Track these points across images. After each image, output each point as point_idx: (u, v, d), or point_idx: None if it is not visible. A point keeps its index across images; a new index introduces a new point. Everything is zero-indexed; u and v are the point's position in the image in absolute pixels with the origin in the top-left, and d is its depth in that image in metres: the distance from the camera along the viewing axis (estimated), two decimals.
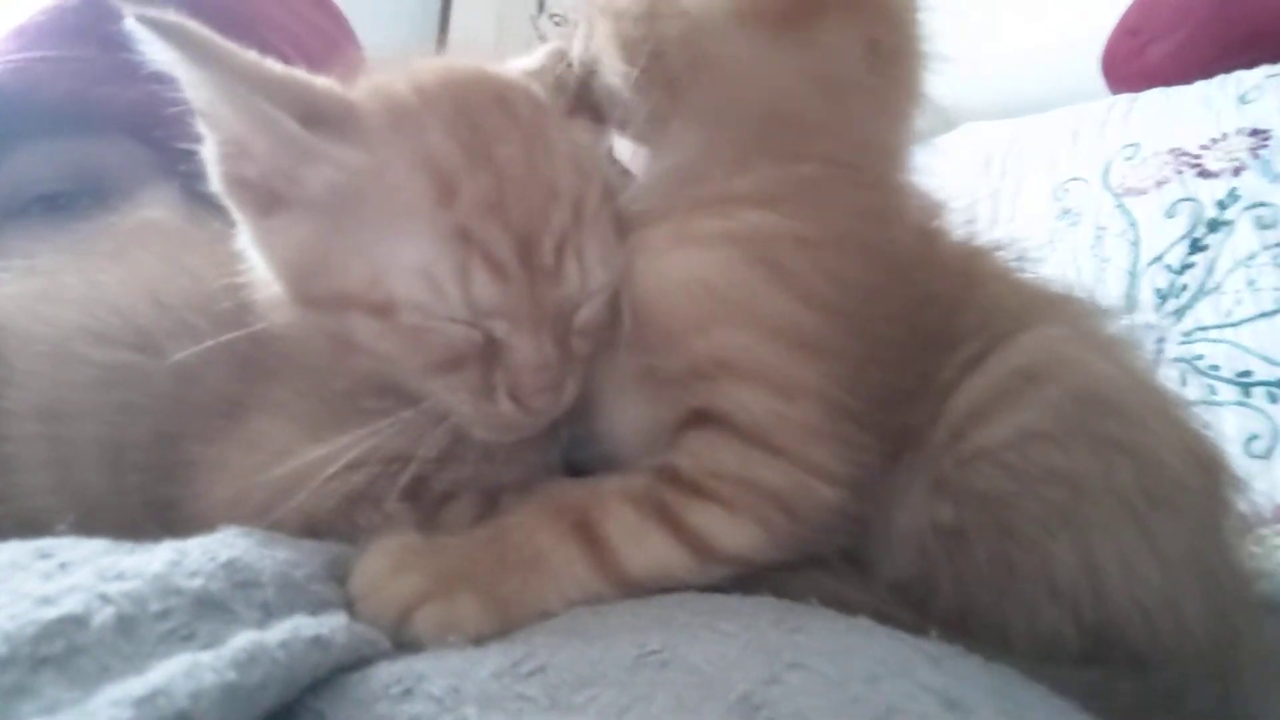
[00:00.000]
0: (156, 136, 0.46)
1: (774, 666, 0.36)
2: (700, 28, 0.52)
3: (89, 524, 0.41)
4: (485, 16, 3.10)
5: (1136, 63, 1.35)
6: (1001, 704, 0.38)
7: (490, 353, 0.47)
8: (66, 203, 0.81)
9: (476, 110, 0.48)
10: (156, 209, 0.60)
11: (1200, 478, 0.52)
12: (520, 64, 0.56)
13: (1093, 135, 1.26)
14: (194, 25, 0.44)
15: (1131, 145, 1.19)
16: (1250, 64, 1.17)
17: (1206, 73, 1.23)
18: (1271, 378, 0.89)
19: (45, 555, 0.34)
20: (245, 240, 0.50)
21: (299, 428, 0.49)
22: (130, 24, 0.43)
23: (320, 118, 0.46)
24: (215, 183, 0.49)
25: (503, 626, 0.41)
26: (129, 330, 0.52)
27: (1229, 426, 0.88)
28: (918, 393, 0.52)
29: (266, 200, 0.48)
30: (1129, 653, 0.48)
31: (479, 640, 0.39)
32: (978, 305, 0.54)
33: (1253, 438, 0.87)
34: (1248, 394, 0.90)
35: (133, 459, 0.50)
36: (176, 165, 0.50)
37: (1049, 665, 0.45)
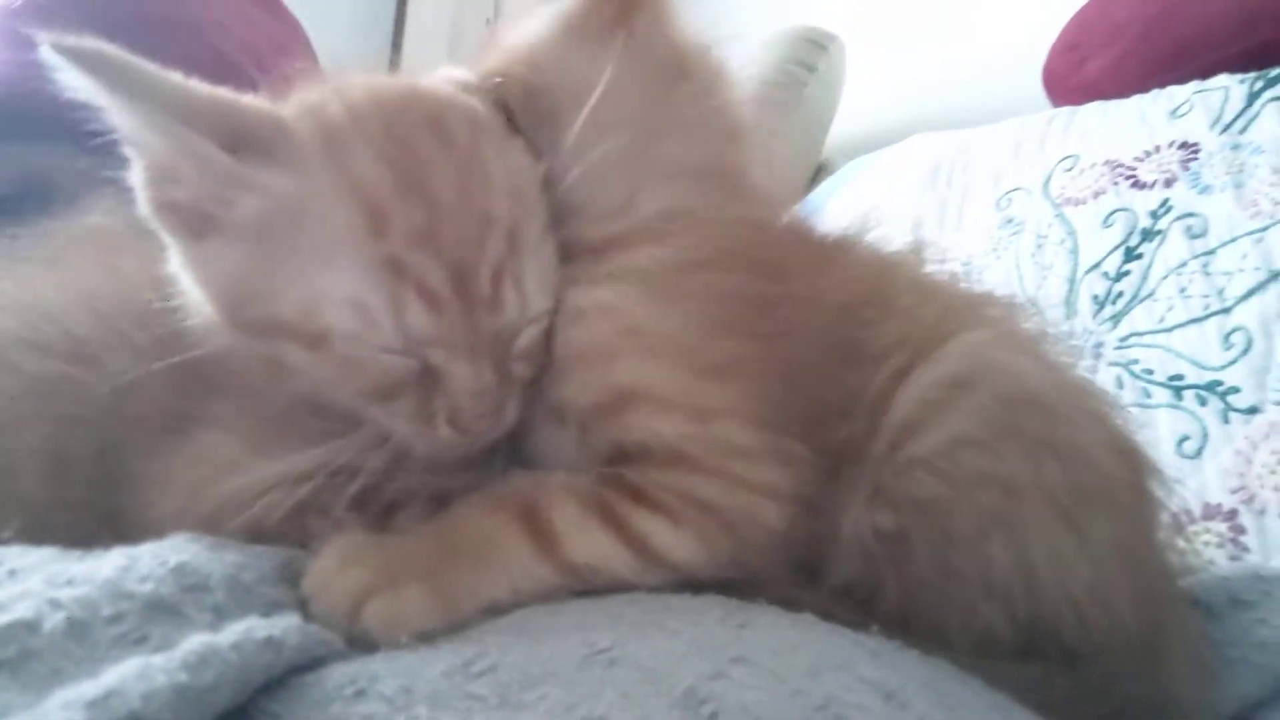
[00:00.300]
0: (97, 145, 0.46)
1: (719, 662, 0.37)
2: (543, 56, 0.54)
3: (37, 533, 0.40)
4: (440, 20, 3.09)
5: (1076, 77, 1.40)
6: (937, 695, 0.39)
7: (428, 380, 0.47)
8: (11, 207, 0.80)
9: (409, 134, 0.47)
10: (97, 215, 0.59)
11: (1125, 471, 0.54)
12: (460, 75, 0.56)
13: (1034, 147, 1.29)
14: (112, 51, 0.42)
15: (1070, 157, 1.23)
16: (1182, 80, 1.22)
17: (1142, 87, 1.27)
18: (1201, 381, 0.92)
19: None
20: (176, 264, 0.50)
21: (243, 441, 0.49)
22: (45, 52, 0.42)
23: (247, 142, 0.45)
24: (143, 207, 0.48)
25: (451, 617, 0.41)
26: (66, 341, 0.52)
27: (1162, 428, 0.91)
28: (849, 407, 0.53)
29: (197, 224, 0.47)
30: (1061, 646, 0.50)
31: (428, 634, 0.40)
32: (896, 316, 0.55)
33: (1184, 439, 0.90)
34: (1179, 397, 0.93)
35: (77, 471, 0.50)
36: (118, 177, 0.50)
37: (986, 661, 0.47)
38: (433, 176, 0.46)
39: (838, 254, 0.62)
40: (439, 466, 0.50)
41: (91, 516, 0.47)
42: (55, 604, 0.30)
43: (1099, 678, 0.50)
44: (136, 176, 0.47)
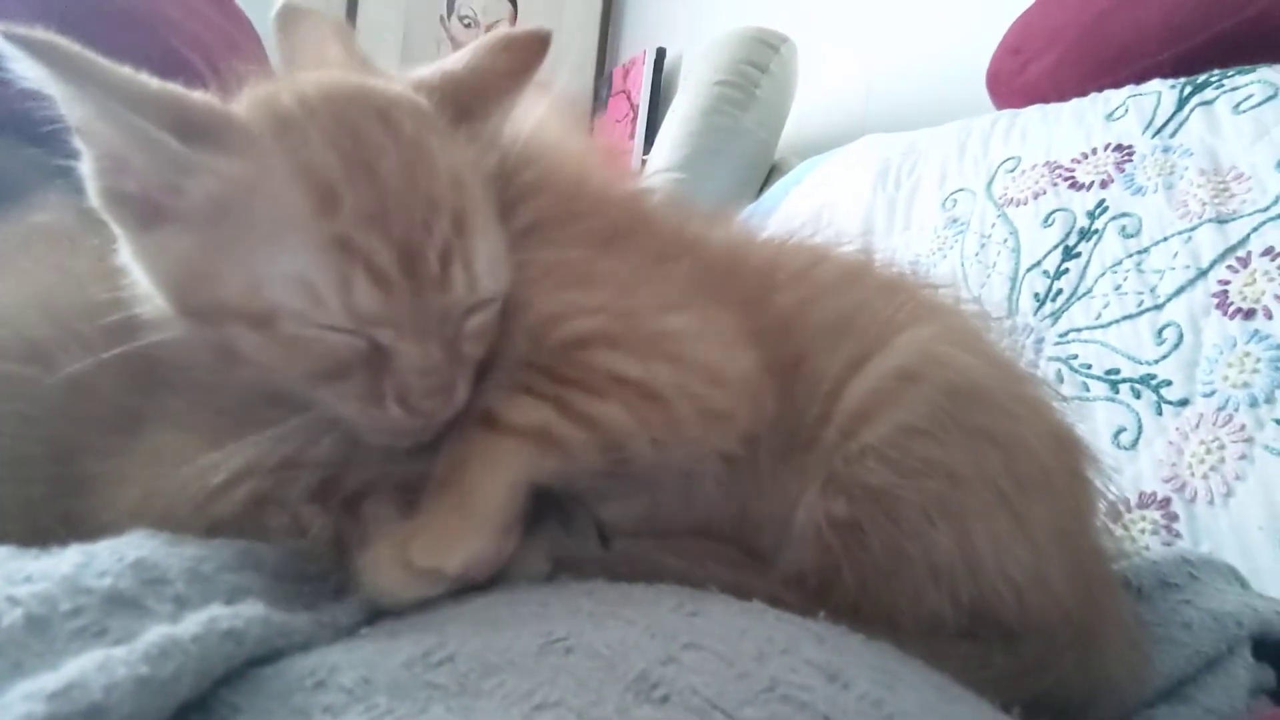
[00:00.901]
0: (44, 135, 0.45)
1: (670, 648, 0.38)
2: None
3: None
4: (393, 17, 3.06)
5: (1018, 80, 1.44)
6: (879, 676, 0.41)
7: (376, 360, 0.48)
8: None
9: (358, 123, 0.48)
10: (45, 212, 0.58)
11: (1062, 459, 0.57)
12: (413, 75, 0.56)
13: (978, 149, 1.33)
14: (64, 42, 0.43)
15: (1013, 158, 1.27)
16: (1118, 84, 1.26)
17: (1081, 91, 1.31)
18: (1136, 375, 0.96)
19: None
20: (126, 255, 0.50)
21: (197, 437, 0.49)
22: None
23: (197, 131, 0.46)
24: (93, 198, 0.48)
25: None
26: (18, 342, 0.51)
27: (1100, 420, 0.95)
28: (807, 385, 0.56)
29: (147, 214, 0.47)
30: (1000, 627, 0.52)
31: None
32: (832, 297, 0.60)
33: (1120, 430, 0.94)
34: (1116, 390, 0.96)
35: (35, 472, 0.50)
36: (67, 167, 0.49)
37: (931, 641, 0.50)
38: (381, 162, 0.47)
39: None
40: (394, 453, 0.51)
41: (50, 516, 0.47)
42: (13, 600, 0.30)
43: (1035, 656, 0.52)
44: (86, 167, 0.47)
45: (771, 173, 2.05)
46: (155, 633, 0.32)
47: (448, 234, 0.48)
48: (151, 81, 0.46)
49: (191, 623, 0.34)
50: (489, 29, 3.05)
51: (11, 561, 0.35)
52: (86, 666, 0.28)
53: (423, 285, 0.47)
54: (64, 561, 0.35)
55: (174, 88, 0.46)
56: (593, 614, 0.42)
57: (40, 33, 0.42)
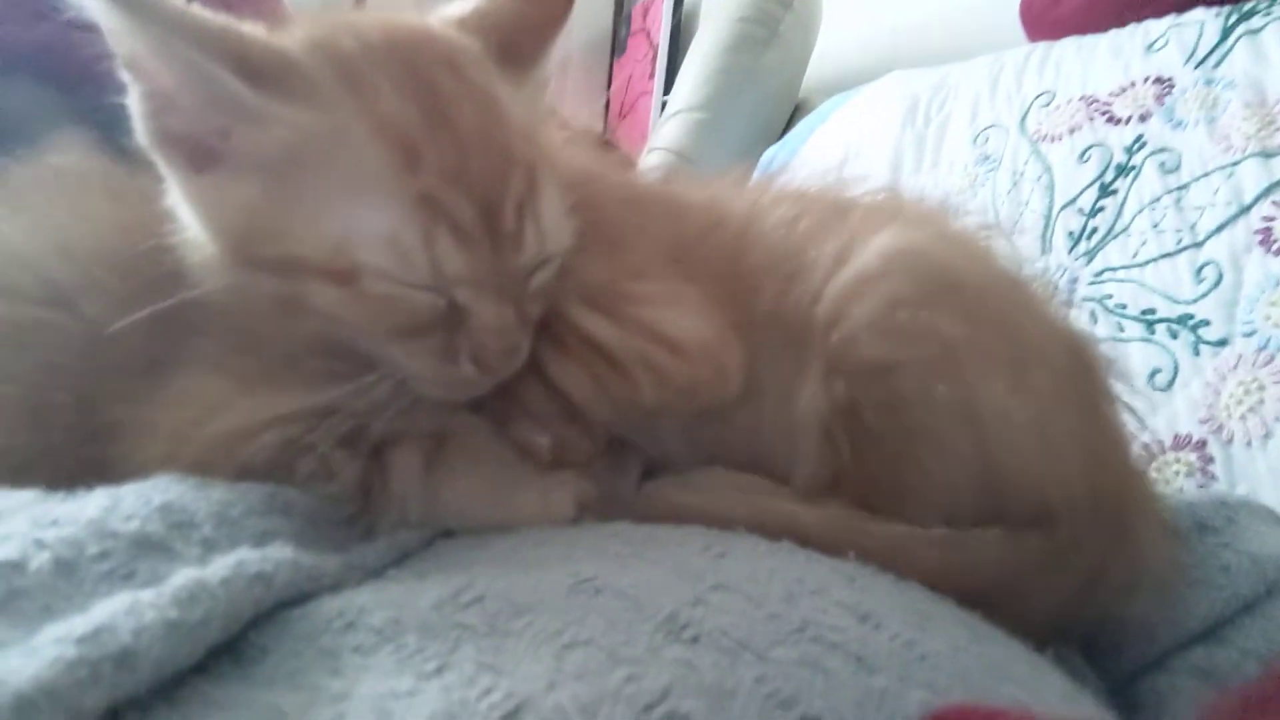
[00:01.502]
0: (67, 78, 0.44)
1: (698, 588, 0.38)
2: None
3: (19, 480, 0.40)
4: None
5: (1052, 12, 1.38)
6: (910, 616, 0.40)
7: (453, 318, 0.47)
8: None
9: (429, 71, 0.47)
10: (62, 154, 0.57)
11: (1061, 345, 0.56)
12: (451, 11, 0.54)
13: (1011, 83, 1.29)
14: None
15: (1046, 93, 1.23)
16: (1159, 13, 1.21)
17: (1119, 21, 1.26)
18: (1173, 315, 0.93)
19: None
20: (175, 198, 0.48)
21: (229, 381, 0.48)
22: None
23: (260, 73, 0.44)
24: (141, 136, 0.46)
25: None
26: (40, 286, 0.50)
27: (1135, 361, 0.93)
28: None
29: (199, 156, 0.46)
30: (1021, 504, 0.51)
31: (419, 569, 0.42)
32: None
33: (1155, 371, 0.92)
34: (1151, 330, 0.94)
35: (59, 420, 0.49)
36: (89, 108, 0.48)
37: (960, 533, 0.49)
38: (459, 114, 0.46)
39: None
40: (424, 403, 0.50)
41: (74, 463, 0.47)
42: (40, 544, 0.30)
43: (1069, 535, 0.51)
44: (134, 104, 0.45)
45: (795, 112, 2.00)
46: (183, 576, 0.32)
47: (521, 190, 0.48)
48: (211, 15, 0.43)
49: (219, 566, 0.34)
50: None
51: (38, 505, 0.35)
52: (115, 610, 0.28)
53: (501, 243, 0.47)
54: (90, 505, 0.34)
55: (231, 22, 0.44)
56: (620, 555, 0.42)
57: None
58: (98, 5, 0.41)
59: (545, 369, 0.53)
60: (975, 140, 1.27)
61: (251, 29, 0.45)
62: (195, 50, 0.42)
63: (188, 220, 0.48)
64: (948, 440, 0.51)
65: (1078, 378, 0.55)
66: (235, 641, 0.34)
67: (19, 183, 0.56)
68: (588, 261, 0.55)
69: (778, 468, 0.56)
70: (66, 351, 0.49)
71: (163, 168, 0.48)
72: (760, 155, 1.69)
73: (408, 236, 0.44)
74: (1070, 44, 1.29)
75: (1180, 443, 0.86)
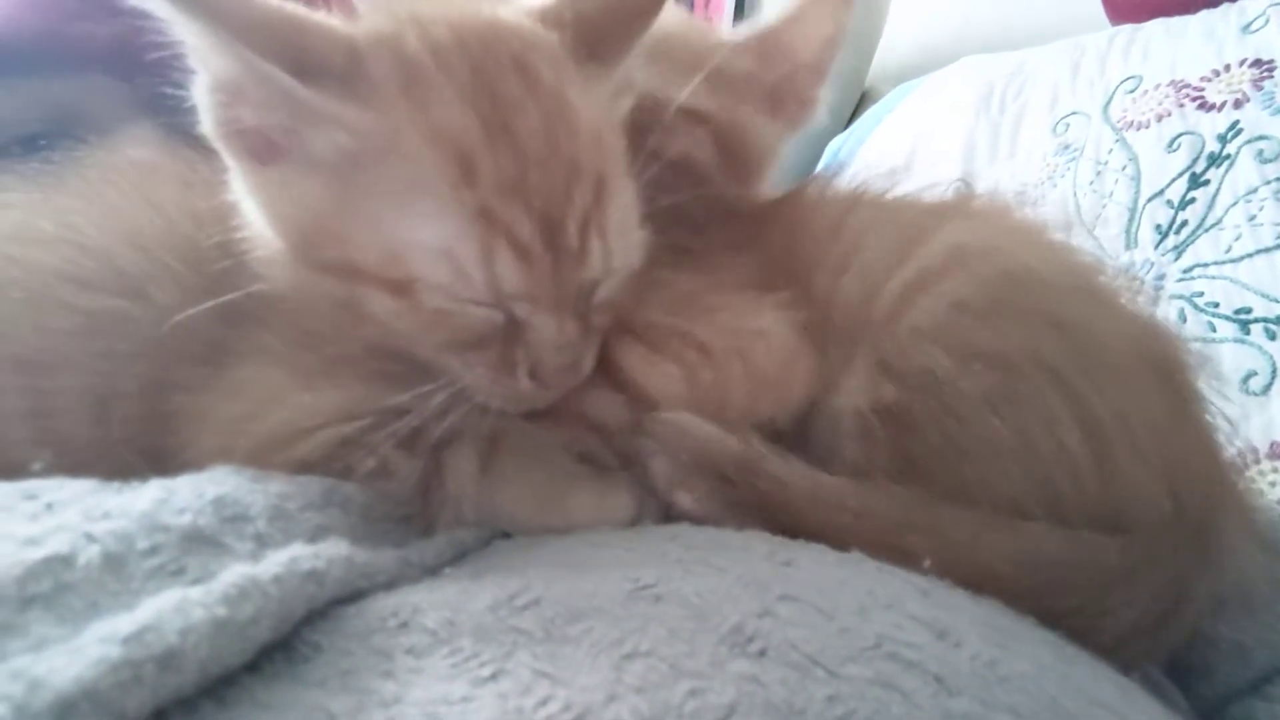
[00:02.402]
0: (138, 72, 0.43)
1: (765, 599, 0.36)
2: None
3: (76, 471, 0.40)
4: None
5: None
6: (990, 633, 0.38)
7: (511, 332, 0.46)
8: (48, 144, 0.79)
9: (495, 75, 0.45)
10: (136, 146, 0.57)
11: (1139, 347, 0.52)
12: (536, 1, 0.52)
13: (1093, 68, 1.23)
14: None
15: (1133, 78, 1.16)
16: None
17: (1210, 2, 1.20)
18: (1270, 314, 0.88)
19: (31, 496, 0.34)
20: (240, 190, 0.47)
21: (288, 375, 0.48)
22: None
23: (321, 70, 0.42)
24: (207, 126, 0.45)
25: None
26: (110, 275, 0.50)
27: (1227, 363, 0.87)
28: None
29: (264, 149, 0.45)
30: (1092, 525, 0.48)
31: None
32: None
33: (1250, 374, 0.87)
34: (1246, 331, 0.89)
35: (120, 410, 0.49)
36: (159, 103, 0.48)
37: (1027, 526, 0.47)
38: (520, 122, 0.44)
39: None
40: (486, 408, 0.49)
41: (133, 453, 0.47)
42: (91, 538, 0.30)
43: (1146, 549, 0.48)
44: (199, 94, 0.45)
45: (861, 101, 1.96)
46: (234, 572, 0.31)
47: (587, 202, 0.46)
48: (271, 6, 0.42)
49: (272, 563, 0.33)
50: None
51: (91, 496, 0.34)
52: (163, 608, 0.27)
53: (562, 258, 0.45)
54: (143, 497, 0.34)
55: (295, 13, 0.43)
56: (681, 560, 0.40)
57: None
58: (154, 2, 0.40)
59: (625, 369, 0.51)
60: (1055, 129, 1.21)
61: (319, 20, 0.44)
62: (247, 46, 0.41)
63: (252, 214, 0.48)
64: (1001, 462, 0.48)
65: (1158, 379, 0.52)
66: (288, 638, 0.33)
67: (92, 174, 0.56)
68: (674, 272, 0.54)
69: (811, 459, 0.53)
70: (134, 340, 0.49)
71: (228, 159, 0.47)
72: (826, 145, 1.66)
73: (464, 251, 0.43)
74: (1158, 26, 1.23)
75: (1277, 451, 0.81)
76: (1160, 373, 0.52)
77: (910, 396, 0.50)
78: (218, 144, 0.46)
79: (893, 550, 0.44)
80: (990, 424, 0.48)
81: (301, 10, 0.43)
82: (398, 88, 0.44)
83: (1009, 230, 0.59)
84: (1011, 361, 0.49)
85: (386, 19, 0.47)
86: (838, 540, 0.44)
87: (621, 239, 0.48)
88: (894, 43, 2.02)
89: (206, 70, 0.44)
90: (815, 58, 0.65)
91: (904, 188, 0.63)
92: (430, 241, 0.43)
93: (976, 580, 0.43)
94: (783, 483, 0.48)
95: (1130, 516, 0.48)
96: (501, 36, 0.47)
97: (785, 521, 0.46)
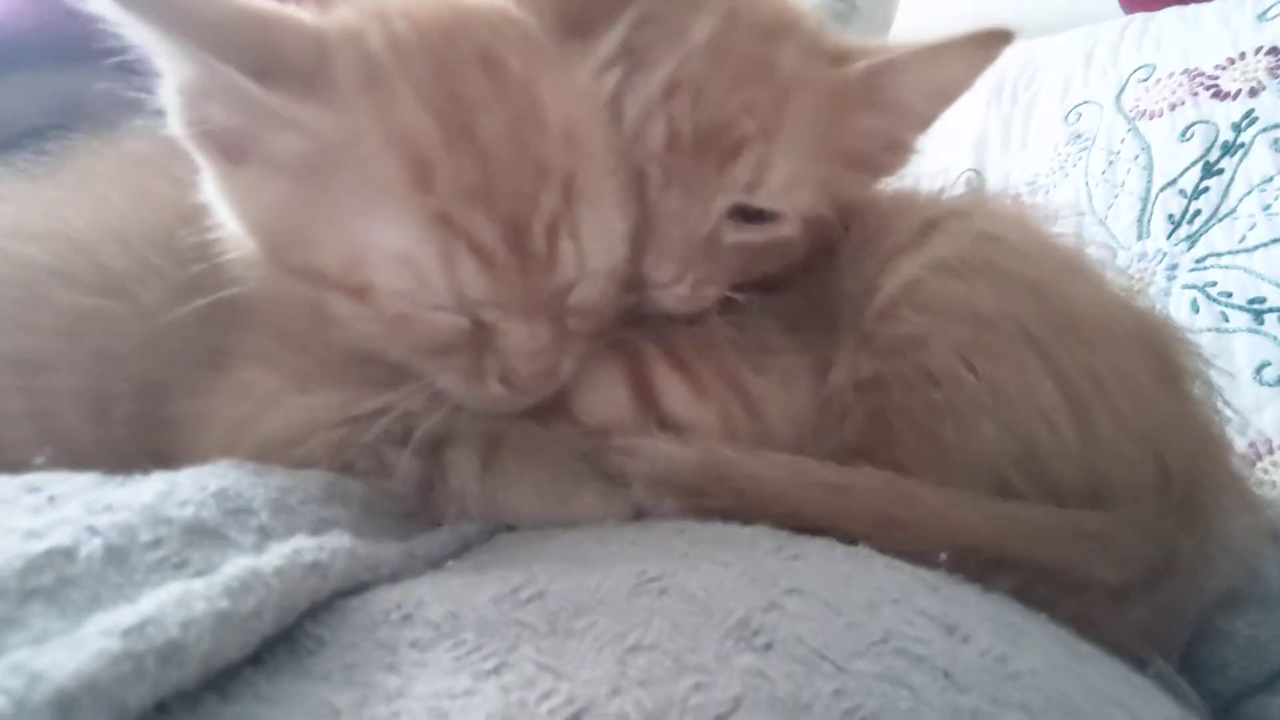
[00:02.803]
0: (73, 59, 0.43)
1: (771, 593, 0.36)
2: None
3: (79, 467, 0.39)
4: None
5: None
6: (1000, 628, 0.38)
7: (480, 337, 0.45)
8: (57, 137, 0.79)
9: (457, 72, 0.43)
10: (132, 140, 0.56)
11: (1129, 328, 0.52)
12: None
13: (1106, 57, 1.22)
14: None
15: (1146, 66, 1.15)
16: None
17: None
18: None
19: (34, 490, 0.34)
20: (211, 191, 0.46)
21: (282, 378, 0.47)
22: None
23: (285, 70, 0.41)
24: (175, 126, 0.44)
25: None
26: (97, 273, 0.50)
27: (1239, 354, 0.87)
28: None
29: (235, 148, 0.44)
30: (1075, 494, 0.48)
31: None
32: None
33: (1264, 365, 0.86)
34: (1260, 321, 0.88)
35: (119, 410, 0.49)
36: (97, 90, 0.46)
37: (1008, 504, 0.47)
38: (483, 124, 0.43)
39: None
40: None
41: (139, 455, 0.46)
42: (92, 530, 0.29)
43: (1129, 516, 0.47)
44: (167, 93, 0.44)
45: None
46: (236, 565, 0.31)
47: (556, 205, 0.44)
48: (233, 4, 0.41)
49: (275, 555, 0.33)
50: None
51: (94, 490, 0.34)
52: (164, 600, 0.27)
53: (529, 262, 0.44)
54: (146, 490, 0.34)
55: (260, 9, 0.42)
56: (686, 554, 0.40)
57: None
58: (104, 5, 0.39)
59: (665, 406, 0.51)
60: (1066, 118, 1.20)
61: (287, 16, 0.43)
62: (203, 48, 0.40)
63: (224, 216, 0.47)
64: (977, 419, 0.48)
65: (1139, 348, 0.52)
66: (291, 631, 0.33)
67: (83, 164, 0.55)
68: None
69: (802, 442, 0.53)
70: (125, 341, 0.49)
71: (198, 159, 0.46)
72: None
73: (422, 257, 0.42)
74: (1171, 14, 1.22)
75: None
76: (1141, 342, 0.52)
77: (886, 363, 0.50)
78: (187, 144, 0.45)
79: (877, 523, 0.44)
80: (965, 380, 0.48)
81: (269, 7, 0.42)
82: (358, 87, 0.42)
83: (990, 206, 0.59)
84: (985, 317, 0.49)
85: (356, 11, 0.46)
86: (824, 520, 0.44)
87: (598, 239, 0.46)
88: (906, 32, 2.00)
89: (171, 71, 0.43)
90: (928, 107, 0.58)
91: (914, 179, 0.63)
92: (387, 246, 0.42)
93: (956, 546, 0.43)
94: (757, 478, 0.47)
95: (1112, 483, 0.48)
96: (468, 28, 0.45)
97: (771, 512, 0.45)
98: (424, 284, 0.43)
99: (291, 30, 0.43)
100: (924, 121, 0.58)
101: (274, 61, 0.41)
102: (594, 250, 0.46)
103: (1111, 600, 0.46)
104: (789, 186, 0.54)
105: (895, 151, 0.59)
